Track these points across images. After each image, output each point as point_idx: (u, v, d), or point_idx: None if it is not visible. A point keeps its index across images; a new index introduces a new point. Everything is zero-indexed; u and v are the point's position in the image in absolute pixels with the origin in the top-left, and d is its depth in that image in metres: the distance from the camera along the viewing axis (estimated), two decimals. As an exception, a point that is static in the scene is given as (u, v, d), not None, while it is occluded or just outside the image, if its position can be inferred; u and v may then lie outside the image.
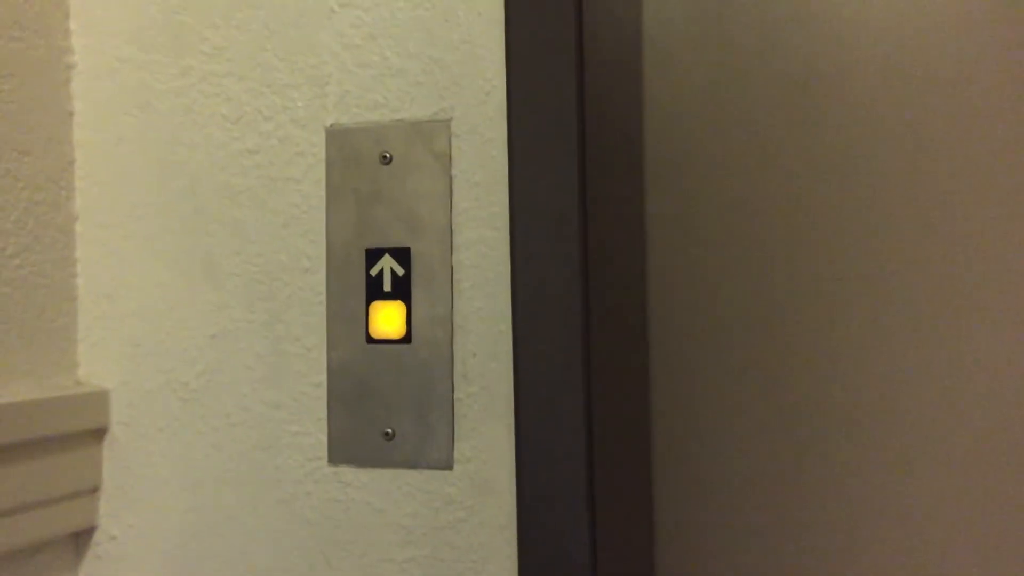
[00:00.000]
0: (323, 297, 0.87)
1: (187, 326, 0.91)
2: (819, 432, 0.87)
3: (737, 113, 0.90)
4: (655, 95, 0.91)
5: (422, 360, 0.84)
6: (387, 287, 0.85)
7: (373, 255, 0.85)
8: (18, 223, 0.87)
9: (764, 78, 0.89)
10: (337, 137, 0.87)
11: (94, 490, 0.92)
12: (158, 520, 0.91)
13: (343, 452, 0.86)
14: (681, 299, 0.90)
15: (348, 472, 0.86)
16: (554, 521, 0.81)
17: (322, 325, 0.87)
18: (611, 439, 0.91)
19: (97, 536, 0.92)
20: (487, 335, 0.83)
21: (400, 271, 0.84)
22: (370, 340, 0.85)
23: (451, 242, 0.84)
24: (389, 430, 0.84)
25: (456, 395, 0.83)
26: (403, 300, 0.84)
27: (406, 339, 0.84)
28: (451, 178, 0.84)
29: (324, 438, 0.87)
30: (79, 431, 0.90)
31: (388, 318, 0.85)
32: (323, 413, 0.87)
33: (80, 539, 0.92)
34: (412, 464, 0.84)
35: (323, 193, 0.87)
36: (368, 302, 0.85)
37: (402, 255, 0.84)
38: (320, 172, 0.87)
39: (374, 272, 0.85)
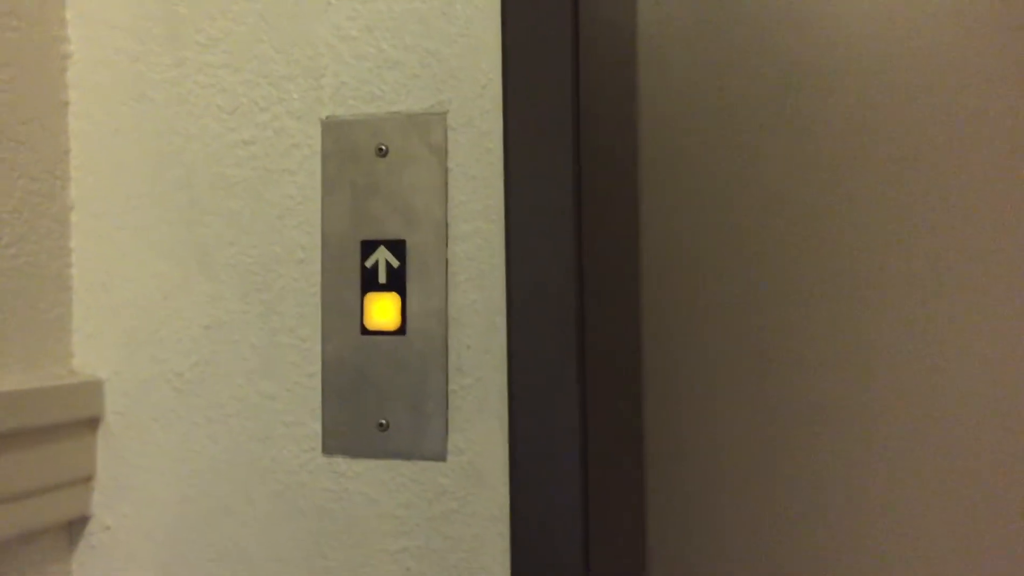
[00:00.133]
0: (318, 288, 0.87)
1: (182, 317, 0.91)
2: (810, 427, 0.88)
3: (730, 111, 0.90)
4: (649, 92, 0.92)
5: (416, 352, 0.84)
6: (382, 279, 0.85)
7: (368, 247, 0.86)
8: (13, 213, 0.87)
9: (757, 78, 0.89)
10: (333, 129, 0.87)
11: (88, 479, 0.92)
12: (152, 510, 0.91)
13: (337, 443, 0.86)
14: (674, 294, 0.91)
15: (342, 463, 0.86)
16: (547, 512, 0.81)
17: (317, 316, 0.87)
18: (603, 431, 0.92)
19: (91, 526, 0.92)
20: (482, 327, 0.83)
21: (395, 263, 0.85)
22: (365, 331, 0.85)
23: (446, 234, 0.84)
24: (383, 421, 0.85)
25: (450, 387, 0.84)
26: (398, 292, 0.85)
27: (401, 331, 0.85)
28: (447, 171, 0.84)
29: (318, 429, 0.87)
30: (73, 420, 0.90)
31: (383, 310, 0.85)
32: (317, 404, 0.87)
33: (74, 528, 0.93)
34: (406, 455, 0.84)
35: (318, 185, 0.88)
36: (363, 294, 0.86)
37: (397, 247, 0.85)
38: (316, 164, 0.88)
39: (369, 264, 0.85)
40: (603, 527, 0.92)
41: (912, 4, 0.86)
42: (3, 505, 0.82)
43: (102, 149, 0.93)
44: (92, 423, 0.92)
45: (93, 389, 0.92)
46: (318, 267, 0.87)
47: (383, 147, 0.85)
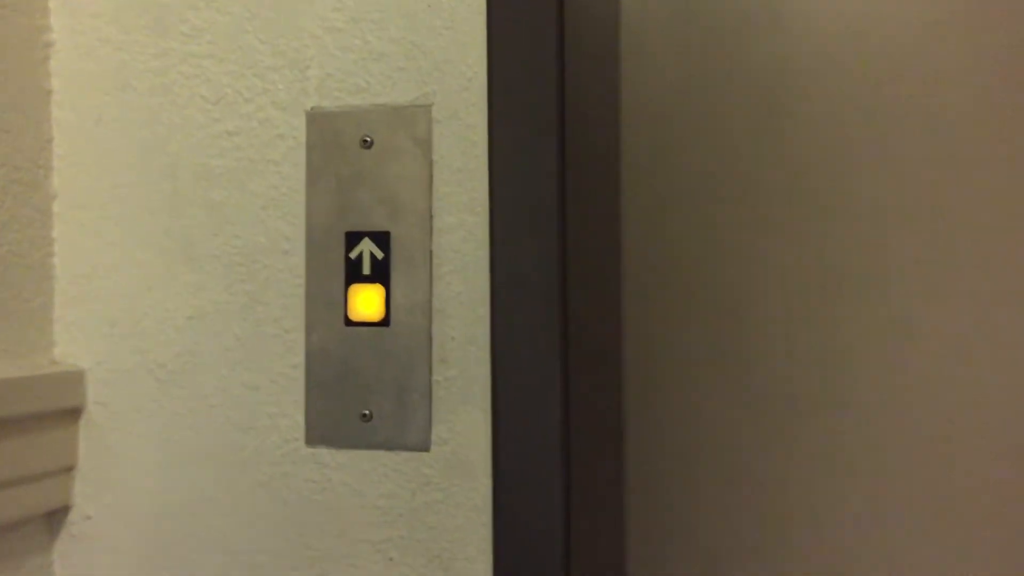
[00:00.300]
0: (302, 279, 0.87)
1: (165, 307, 0.91)
2: (791, 424, 0.89)
3: (712, 108, 0.91)
4: (632, 88, 0.92)
5: (400, 343, 0.85)
6: (366, 270, 0.85)
7: (353, 238, 0.86)
8: (-5, 201, 0.87)
9: (740, 74, 0.90)
10: (318, 120, 0.87)
11: (69, 469, 0.92)
12: (134, 500, 0.91)
13: (320, 433, 0.87)
14: (655, 287, 0.92)
15: (325, 453, 0.87)
16: (529, 503, 0.82)
17: (301, 307, 0.87)
18: (584, 423, 0.93)
19: (72, 515, 0.92)
20: (466, 319, 0.84)
21: (379, 254, 0.85)
22: (349, 323, 0.86)
23: (431, 226, 0.84)
24: (367, 412, 0.85)
25: (434, 378, 0.84)
26: (382, 283, 0.85)
27: (385, 322, 0.85)
28: (431, 163, 0.85)
29: (302, 419, 0.87)
30: (54, 410, 0.90)
31: (367, 301, 0.85)
32: (301, 395, 0.87)
33: (54, 518, 0.92)
34: (389, 446, 0.85)
35: (303, 176, 0.88)
36: (347, 285, 0.86)
37: (382, 239, 0.85)
38: (300, 155, 0.88)
39: (353, 255, 0.86)
40: (584, 518, 0.92)
41: (894, 2, 0.88)
42: (-16, 495, 0.82)
43: (85, 138, 0.93)
44: (74, 413, 0.92)
45: (75, 379, 0.91)
46: (302, 258, 0.87)
47: (368, 139, 0.85)
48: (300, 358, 0.87)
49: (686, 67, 0.91)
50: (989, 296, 0.85)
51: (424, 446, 0.84)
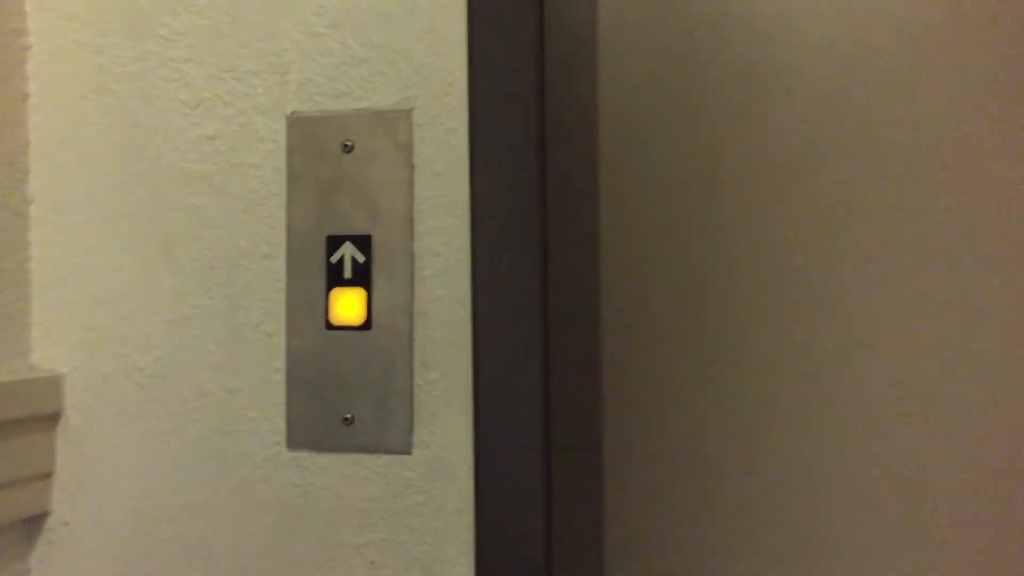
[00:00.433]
0: (283, 283, 0.87)
1: (144, 311, 0.90)
2: (768, 419, 0.90)
3: (690, 109, 0.92)
4: (609, 91, 0.93)
5: (382, 347, 0.85)
6: (348, 274, 0.86)
7: (334, 242, 0.86)
8: (-28, 205, 0.86)
9: (716, 76, 0.91)
10: (298, 125, 0.87)
11: (47, 475, 0.91)
12: (113, 505, 0.90)
13: (302, 437, 0.87)
14: (633, 289, 0.92)
15: (307, 457, 0.87)
16: (511, 505, 0.82)
17: (282, 311, 0.87)
18: (565, 426, 0.93)
19: (50, 522, 0.91)
20: (447, 322, 0.84)
21: (361, 258, 0.85)
22: (330, 326, 0.86)
23: (412, 230, 0.85)
24: (349, 415, 0.85)
25: (416, 381, 0.85)
26: (364, 287, 0.85)
27: (366, 326, 0.85)
28: (413, 167, 0.85)
29: (283, 423, 0.87)
30: (32, 416, 0.89)
31: (348, 305, 0.85)
32: (282, 399, 0.87)
33: (32, 525, 0.92)
34: (371, 449, 0.85)
35: (284, 180, 0.88)
36: (328, 288, 0.86)
37: (363, 242, 0.85)
38: (281, 159, 0.88)
39: (335, 259, 0.86)
40: (564, 519, 0.93)
41: (867, 4, 0.89)
42: (-39, 501, 0.82)
43: (62, 142, 0.92)
44: (52, 418, 0.91)
45: (52, 384, 0.91)
46: (283, 262, 0.87)
47: (349, 143, 0.86)
48: (281, 362, 0.87)
49: (662, 71, 0.92)
50: (965, 301, 0.87)
51: (406, 449, 0.85)
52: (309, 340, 0.86)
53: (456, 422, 0.84)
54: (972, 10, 0.87)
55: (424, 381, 0.84)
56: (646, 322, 0.92)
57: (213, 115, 0.89)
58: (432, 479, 0.84)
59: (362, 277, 0.85)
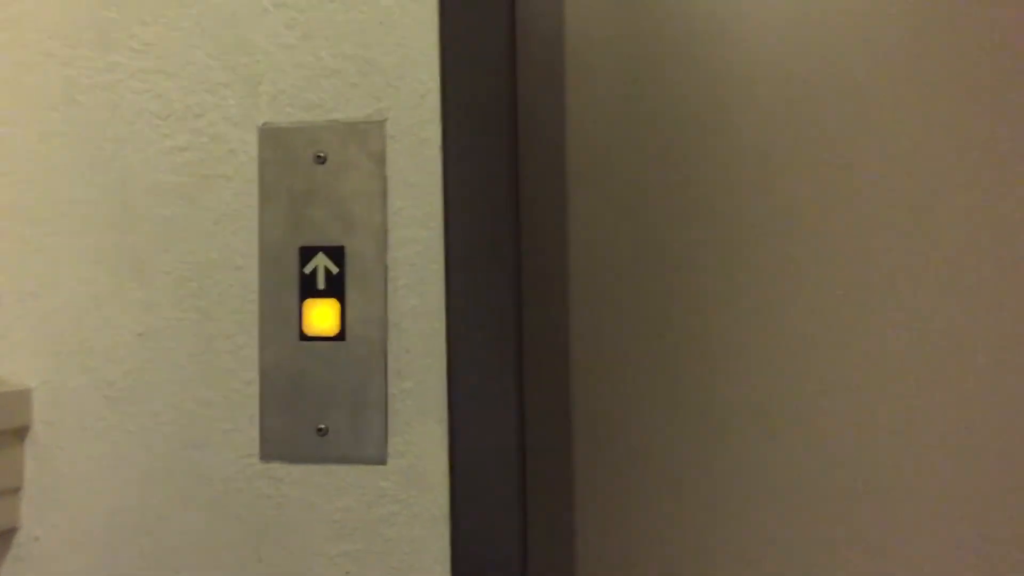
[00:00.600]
0: (255, 295, 0.87)
1: (113, 324, 0.90)
2: (737, 424, 0.92)
3: (653, 118, 0.93)
4: (578, 101, 0.94)
5: (356, 357, 0.85)
6: (321, 285, 0.86)
7: (307, 253, 0.86)
8: (-62, 218, 0.85)
9: (680, 87, 0.93)
10: (270, 136, 0.87)
11: (15, 490, 0.90)
12: (84, 520, 0.89)
13: (275, 449, 0.86)
14: (602, 297, 0.94)
15: (280, 468, 0.86)
16: (486, 513, 0.83)
17: (254, 322, 0.87)
18: (538, 433, 0.94)
19: (19, 537, 0.90)
20: (421, 332, 0.84)
21: (334, 269, 0.85)
22: (304, 337, 0.86)
23: (386, 241, 0.85)
24: (322, 426, 0.85)
25: (390, 391, 0.85)
26: (337, 298, 0.85)
27: (340, 336, 0.85)
28: (386, 178, 0.85)
29: (256, 435, 0.87)
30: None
31: (322, 316, 0.86)
32: (255, 410, 0.87)
33: (1, 540, 0.90)
34: (346, 459, 0.85)
35: (255, 192, 0.88)
36: (302, 299, 0.86)
37: (336, 253, 0.85)
38: (253, 171, 0.88)
39: (308, 270, 0.86)
40: (538, 528, 0.94)
41: (832, 10, 0.91)
42: (-72, 518, 0.80)
43: (30, 154, 0.91)
44: (19, 433, 0.90)
45: (20, 398, 0.90)
46: (256, 273, 0.87)
47: (321, 154, 0.86)
48: (254, 374, 0.87)
49: (630, 80, 0.94)
50: (934, 306, 0.89)
51: (381, 459, 0.85)
52: (282, 351, 0.86)
53: (431, 431, 0.84)
54: (939, 16, 0.89)
55: (399, 391, 0.85)
56: (616, 330, 0.93)
57: (183, 127, 0.89)
58: (407, 488, 0.84)
59: (336, 288, 0.85)
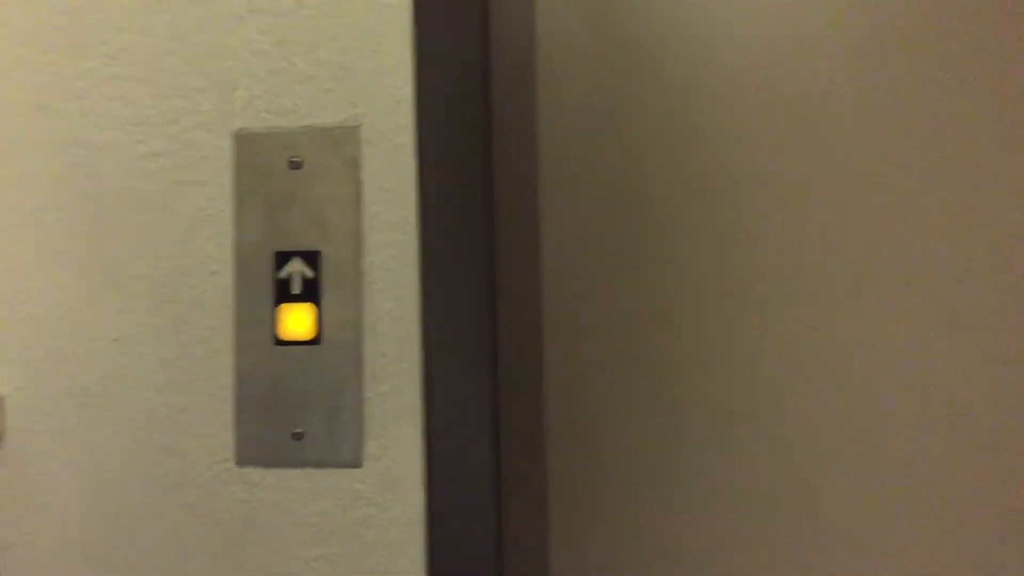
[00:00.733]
0: (230, 300, 0.87)
1: (88, 331, 0.89)
2: (705, 424, 0.93)
3: (624, 124, 0.95)
4: (549, 107, 0.95)
5: (332, 361, 0.85)
6: (296, 289, 0.86)
7: (282, 258, 0.86)
8: (-91, 225, 0.85)
9: (650, 93, 0.94)
10: (245, 142, 0.88)
11: (-12, 498, 0.90)
12: (57, 527, 0.89)
13: (251, 453, 0.86)
14: (575, 299, 0.94)
15: (256, 473, 0.86)
16: (461, 516, 0.83)
17: (229, 328, 0.87)
18: (513, 437, 0.95)
19: (-8, 545, 0.90)
20: (397, 336, 0.85)
21: (310, 274, 0.86)
22: (279, 342, 0.86)
23: (361, 245, 0.86)
24: (298, 430, 0.85)
25: (366, 395, 0.85)
26: (313, 302, 0.86)
27: (316, 341, 0.86)
28: (361, 183, 0.86)
29: (232, 440, 0.87)
30: (-28, 438, 0.88)
31: (297, 320, 0.86)
32: (231, 415, 0.87)
33: (-28, 549, 0.90)
34: (321, 463, 0.85)
35: (230, 197, 0.88)
36: (277, 304, 0.86)
37: (312, 258, 0.86)
38: (227, 176, 0.88)
39: (283, 275, 0.86)
40: (513, 530, 0.94)
41: (802, 16, 0.93)
42: (-100, 526, 0.80)
43: (3, 161, 0.91)
44: (-8, 440, 0.90)
45: (-7, 405, 0.90)
46: (231, 279, 0.88)
47: (296, 160, 0.86)
48: (229, 379, 0.87)
49: (601, 86, 0.95)
50: (891, 305, 0.90)
51: (356, 462, 0.85)
52: (258, 356, 0.86)
53: (407, 434, 0.85)
54: (896, 25, 0.91)
55: (374, 394, 0.85)
56: (590, 333, 0.94)
57: (158, 133, 0.89)
58: (383, 492, 0.85)
59: (311, 292, 0.86)
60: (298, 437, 0.85)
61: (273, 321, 0.86)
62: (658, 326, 0.93)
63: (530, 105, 0.96)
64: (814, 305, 0.91)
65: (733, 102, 0.93)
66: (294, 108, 0.87)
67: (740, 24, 0.93)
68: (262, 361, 0.86)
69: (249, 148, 0.87)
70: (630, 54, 0.94)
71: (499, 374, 0.94)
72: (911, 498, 0.90)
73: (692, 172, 0.93)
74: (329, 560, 0.85)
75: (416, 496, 0.84)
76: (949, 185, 0.90)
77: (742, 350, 0.92)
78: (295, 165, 0.86)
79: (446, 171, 0.84)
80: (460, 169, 0.84)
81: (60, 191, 0.90)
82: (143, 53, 0.90)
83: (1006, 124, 0.89)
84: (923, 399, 0.90)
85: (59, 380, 0.90)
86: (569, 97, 0.95)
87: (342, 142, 0.86)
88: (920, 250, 0.90)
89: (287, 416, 0.86)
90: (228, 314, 0.87)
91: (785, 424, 0.91)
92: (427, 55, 0.85)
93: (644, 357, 0.93)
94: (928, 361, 0.90)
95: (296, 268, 0.86)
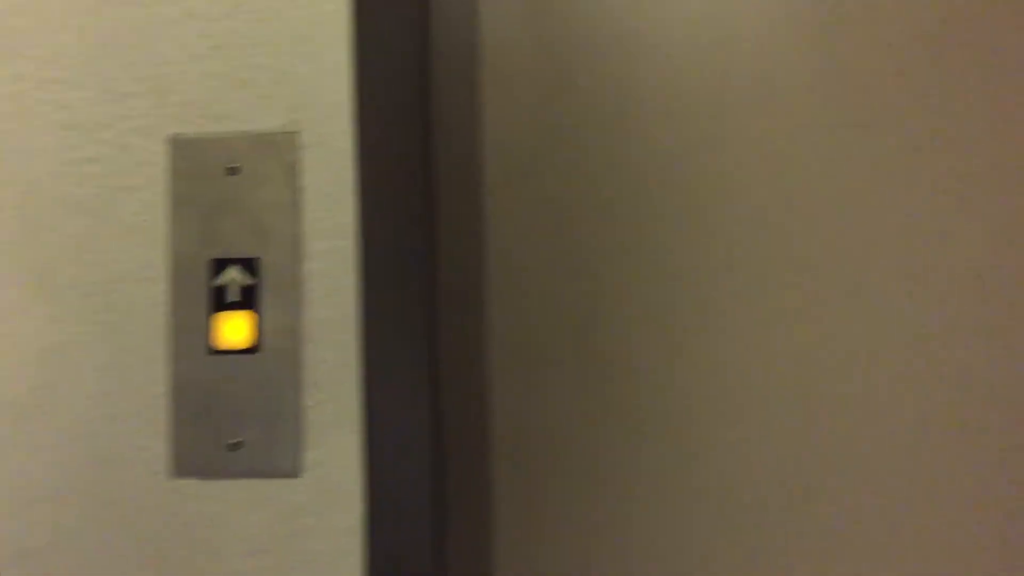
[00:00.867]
0: (165, 308, 0.86)
1: (16, 340, 0.87)
2: (657, 429, 0.93)
3: (568, 126, 0.95)
4: (492, 110, 0.95)
5: (270, 369, 0.84)
6: (234, 297, 0.85)
7: (219, 265, 0.85)
8: None
9: (594, 98, 0.95)
10: (181, 147, 0.86)
11: (-89, 514, 0.87)
12: (-16, 543, 0.87)
13: (187, 465, 0.85)
14: (519, 304, 0.94)
15: (191, 485, 0.85)
16: (401, 524, 0.83)
17: (164, 336, 0.86)
18: (455, 443, 0.94)
19: (-85, 563, 0.87)
20: (337, 343, 0.84)
21: (248, 281, 0.84)
22: (216, 351, 0.85)
23: (300, 252, 0.85)
24: (235, 440, 0.84)
25: (305, 403, 0.84)
26: (252, 310, 0.84)
27: (253, 349, 0.84)
28: (300, 189, 0.85)
29: (167, 451, 0.85)
30: None
31: (234, 328, 0.85)
32: (165, 426, 0.85)
33: None
34: (259, 473, 0.84)
35: (165, 203, 0.86)
36: (214, 312, 0.85)
37: (250, 265, 0.85)
38: (163, 182, 0.87)
39: (220, 282, 0.85)
40: (453, 538, 0.93)
41: (745, 21, 0.94)
42: None
43: (-72, 166, 0.89)
44: (-84, 454, 0.87)
45: (-83, 418, 0.87)
46: (165, 286, 0.86)
47: (234, 165, 0.85)
48: (164, 388, 0.85)
49: (545, 87, 0.95)
50: (854, 305, 0.92)
51: (295, 472, 0.84)
52: (193, 365, 0.85)
53: (346, 443, 0.84)
54: (848, 23, 0.93)
55: (314, 402, 0.84)
56: (533, 338, 0.94)
57: (91, 138, 0.87)
58: (323, 501, 0.84)
59: (249, 300, 0.85)
60: (235, 447, 0.84)
61: (209, 329, 0.85)
62: (605, 328, 0.93)
63: (473, 106, 0.96)
64: (775, 306, 0.92)
65: (678, 100, 0.94)
66: (232, 113, 0.86)
67: (684, 22, 0.94)
68: (198, 370, 0.85)
69: (185, 154, 0.86)
70: (575, 54, 0.95)
71: (442, 379, 0.93)
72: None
73: (640, 171, 0.94)
74: (268, 571, 0.83)
75: (355, 505, 0.83)
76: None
77: (695, 348, 0.93)
78: (233, 171, 0.85)
79: (386, 176, 0.84)
80: (400, 173, 0.84)
81: (-11, 197, 0.88)
82: (77, 56, 0.88)
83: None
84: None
85: (-13, 391, 0.87)
86: (512, 98, 0.95)
87: (281, 147, 0.85)
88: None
89: (224, 426, 0.84)
90: (163, 322, 0.86)
91: (746, 427, 0.92)
92: (366, 59, 0.84)
93: (591, 360, 0.93)
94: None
95: (233, 276, 0.85)
